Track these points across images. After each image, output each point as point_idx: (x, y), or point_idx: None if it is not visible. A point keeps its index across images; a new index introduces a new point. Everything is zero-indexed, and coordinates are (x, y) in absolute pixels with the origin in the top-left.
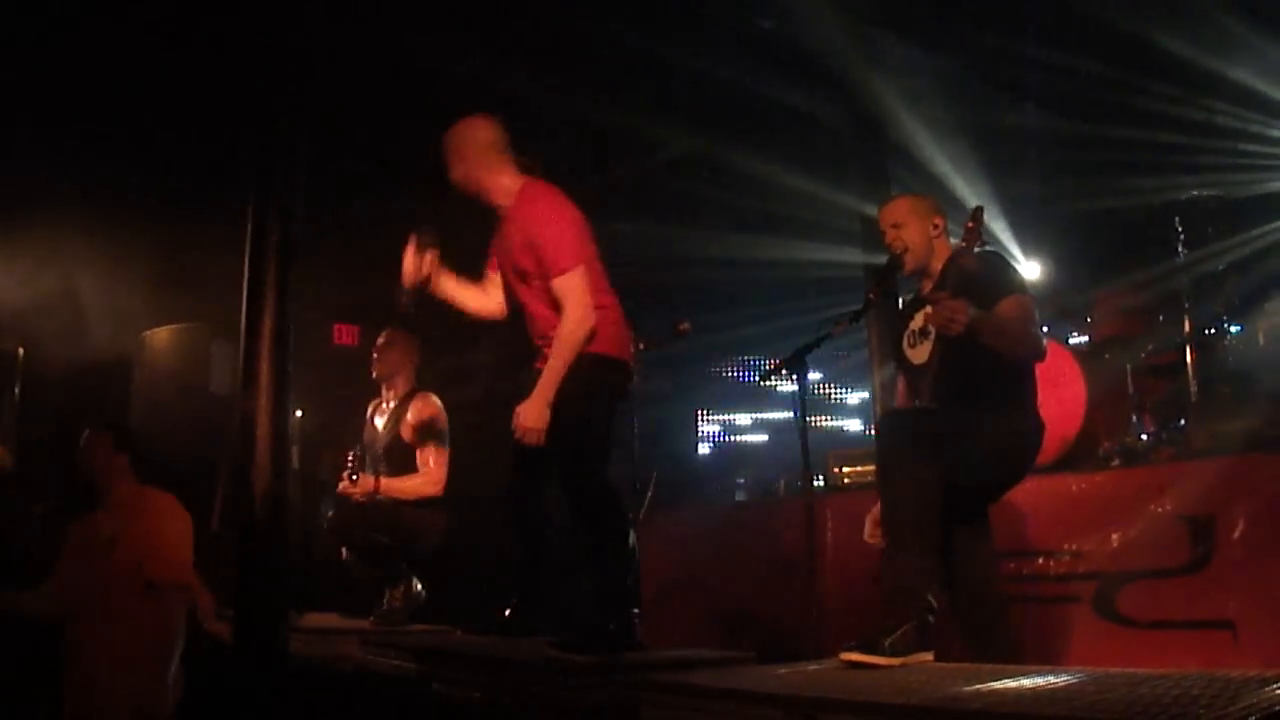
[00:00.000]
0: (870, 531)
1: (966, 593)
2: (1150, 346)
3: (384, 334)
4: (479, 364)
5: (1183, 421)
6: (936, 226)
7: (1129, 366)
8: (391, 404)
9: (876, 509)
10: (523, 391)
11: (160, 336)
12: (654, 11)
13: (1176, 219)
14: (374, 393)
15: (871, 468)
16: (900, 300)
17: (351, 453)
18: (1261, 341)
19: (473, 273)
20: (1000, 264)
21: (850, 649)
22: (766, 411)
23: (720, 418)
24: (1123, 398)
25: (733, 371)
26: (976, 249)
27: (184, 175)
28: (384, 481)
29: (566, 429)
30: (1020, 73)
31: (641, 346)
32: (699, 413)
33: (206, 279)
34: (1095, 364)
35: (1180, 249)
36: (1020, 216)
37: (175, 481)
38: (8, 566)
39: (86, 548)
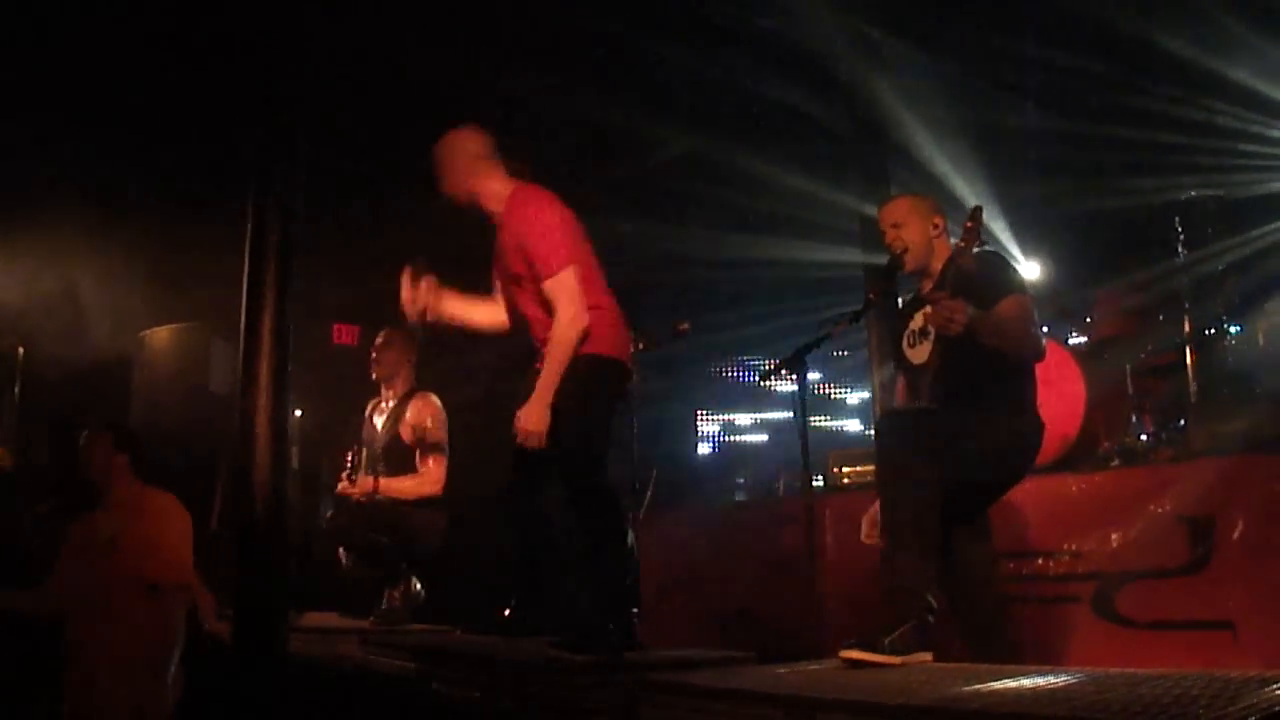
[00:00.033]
0: (867, 532)
1: (966, 593)
2: (1150, 347)
3: (382, 334)
4: (479, 364)
5: (1182, 422)
6: (936, 226)
7: (1129, 367)
8: (391, 403)
9: (873, 509)
10: (522, 394)
11: (160, 336)
12: (654, 11)
13: (1176, 219)
14: (374, 392)
15: (871, 468)
16: (900, 300)
17: (350, 452)
18: (1261, 341)
19: (481, 288)
20: (1000, 264)
21: (850, 647)
22: (766, 411)
23: (720, 418)
24: (1122, 398)
25: (732, 371)
26: (976, 249)
27: (184, 175)
28: (383, 481)
29: (565, 430)
30: (1020, 73)
31: (641, 346)
32: (698, 413)
33: (206, 279)
34: (1095, 364)
35: (1180, 249)
36: (1020, 216)
37: (175, 481)
38: (8, 566)
39: (86, 548)
